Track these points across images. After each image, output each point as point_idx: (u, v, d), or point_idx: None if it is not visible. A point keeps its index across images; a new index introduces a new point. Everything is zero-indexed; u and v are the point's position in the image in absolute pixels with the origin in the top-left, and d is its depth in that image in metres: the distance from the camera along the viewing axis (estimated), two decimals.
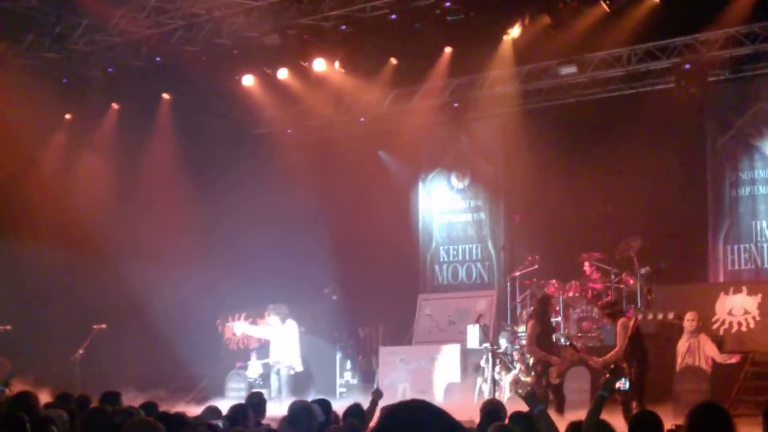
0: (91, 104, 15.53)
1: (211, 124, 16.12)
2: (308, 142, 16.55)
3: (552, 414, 6.66)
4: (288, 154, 16.29)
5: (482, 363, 12.53)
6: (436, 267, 15.87)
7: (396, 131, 15.82)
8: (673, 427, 6.91)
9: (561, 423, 5.54)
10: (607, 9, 12.27)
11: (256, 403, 6.89)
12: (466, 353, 13.23)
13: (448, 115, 15.73)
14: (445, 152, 16.00)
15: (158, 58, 14.62)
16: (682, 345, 11.46)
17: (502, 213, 15.29)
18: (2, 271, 14.77)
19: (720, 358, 11.35)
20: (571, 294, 13.16)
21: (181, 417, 6.05)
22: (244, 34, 13.95)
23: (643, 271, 12.82)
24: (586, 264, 13.36)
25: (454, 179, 15.89)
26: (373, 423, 7.06)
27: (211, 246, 15.57)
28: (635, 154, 13.41)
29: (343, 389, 14.46)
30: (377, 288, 14.84)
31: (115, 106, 16.00)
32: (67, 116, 15.99)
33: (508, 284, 13.94)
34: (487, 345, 12.30)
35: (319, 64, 14.13)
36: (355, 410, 6.54)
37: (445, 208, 15.95)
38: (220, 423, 6.17)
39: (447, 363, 13.32)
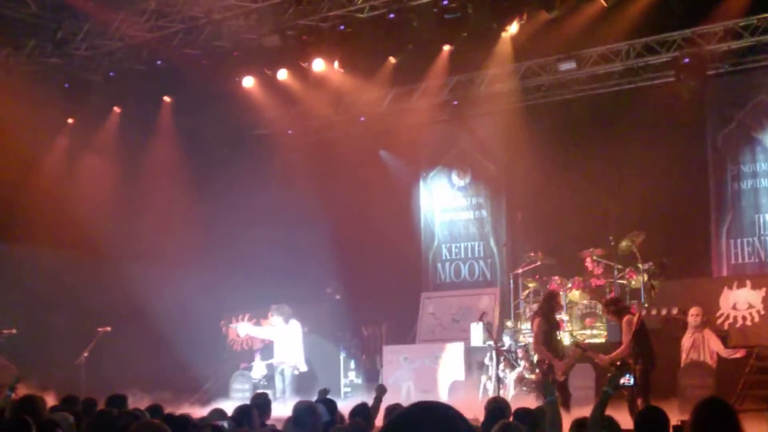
0: (93, 108, 15.56)
1: (212, 125, 16.14)
2: (309, 143, 16.57)
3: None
4: (288, 154, 16.31)
5: (486, 361, 12.54)
6: (439, 265, 15.87)
7: (396, 130, 15.83)
8: (679, 422, 6.91)
9: (566, 419, 5.55)
10: (605, 4, 12.25)
11: (260, 403, 6.90)
12: (469, 351, 13.24)
13: (448, 113, 15.75)
14: (446, 150, 16.00)
15: (159, 62, 14.65)
16: (686, 340, 11.44)
17: (504, 210, 15.29)
18: (5, 274, 14.80)
19: (725, 352, 11.34)
20: (573, 290, 13.16)
21: (186, 419, 6.08)
22: (243, 36, 13.97)
23: (646, 266, 12.81)
24: (588, 260, 13.36)
25: (454, 177, 15.89)
26: (378, 420, 7.08)
27: (213, 247, 15.60)
28: (636, 148, 13.41)
29: (348, 389, 14.47)
30: (380, 287, 14.85)
31: (116, 109, 16.03)
32: (69, 120, 16.03)
33: (511, 281, 13.94)
34: (491, 343, 12.30)
35: (319, 65, 14.14)
36: (361, 410, 6.55)
37: (447, 206, 15.95)
38: (225, 424, 6.19)
39: (451, 361, 13.33)
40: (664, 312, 12.14)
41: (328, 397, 7.12)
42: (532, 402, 9.56)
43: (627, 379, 9.11)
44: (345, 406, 8.67)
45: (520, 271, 13.77)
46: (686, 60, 12.99)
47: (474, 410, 7.92)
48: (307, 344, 13.61)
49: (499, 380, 11.84)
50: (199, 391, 14.89)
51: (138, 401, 9.20)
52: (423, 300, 15.23)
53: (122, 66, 14.84)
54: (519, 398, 10.92)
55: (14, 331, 13.48)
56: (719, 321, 12.05)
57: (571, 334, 12.65)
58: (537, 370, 11.07)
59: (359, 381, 14.62)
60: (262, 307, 14.20)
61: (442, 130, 16.03)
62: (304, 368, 13.37)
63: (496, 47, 13.97)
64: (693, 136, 13.78)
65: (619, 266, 13.03)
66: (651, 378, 9.91)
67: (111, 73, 14.97)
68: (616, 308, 10.54)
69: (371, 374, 14.54)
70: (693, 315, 11.43)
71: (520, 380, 11.99)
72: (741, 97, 13.50)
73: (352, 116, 16.12)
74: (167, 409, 7.19)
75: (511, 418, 5.73)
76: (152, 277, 14.50)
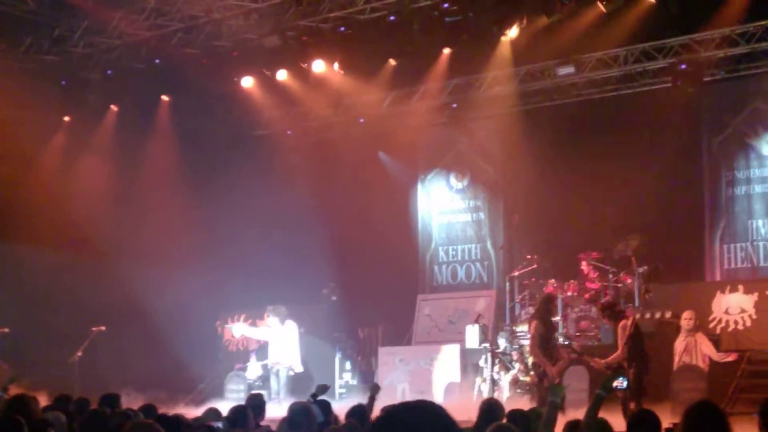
0: (91, 106, 15.55)
1: (211, 125, 16.14)
2: (308, 144, 16.59)
3: None
4: (287, 155, 16.32)
5: (481, 363, 12.57)
6: (436, 267, 15.90)
7: (395, 132, 15.86)
8: (671, 425, 6.94)
9: (560, 421, 5.58)
10: (604, 9, 12.30)
11: (255, 404, 6.91)
12: (465, 353, 13.27)
13: (447, 116, 15.78)
14: (444, 153, 16.04)
15: (157, 60, 14.65)
16: (679, 344, 11.50)
17: (501, 213, 15.33)
18: (1, 273, 14.80)
19: (717, 356, 11.40)
20: (569, 293, 13.20)
21: (179, 419, 6.09)
22: (243, 35, 13.98)
23: (640, 270, 12.86)
24: (584, 263, 13.40)
25: (453, 179, 15.93)
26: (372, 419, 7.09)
27: (211, 247, 15.61)
28: (632, 153, 13.46)
29: (343, 390, 14.49)
30: (376, 288, 14.87)
31: (114, 108, 16.03)
32: (67, 118, 16.03)
33: (507, 284, 13.97)
34: (487, 345, 12.33)
35: (319, 66, 14.16)
36: (357, 411, 6.56)
37: (444, 209, 15.99)
38: (220, 424, 6.21)
39: (446, 363, 13.36)
40: (657, 315, 12.19)
41: (323, 398, 7.13)
42: (526, 404, 9.61)
43: (620, 382, 9.11)
44: (340, 407, 8.69)
45: (516, 273, 13.80)
46: (683, 66, 13.06)
47: (469, 412, 7.93)
48: (302, 345, 13.63)
49: (494, 382, 11.88)
50: (194, 392, 14.89)
51: (132, 401, 9.21)
52: (419, 302, 15.26)
53: (120, 64, 14.84)
54: (513, 400, 10.96)
55: (6, 330, 13.48)
56: (712, 325, 12.11)
57: (566, 337, 12.68)
58: (532, 373, 11.11)
59: (354, 382, 14.64)
60: (258, 308, 14.22)
61: (440, 132, 16.07)
62: (299, 369, 13.39)
63: (496, 51, 14.02)
64: (689, 141, 13.83)
65: (614, 270, 13.08)
66: (644, 381, 9.96)
67: (109, 72, 14.95)
68: (612, 312, 10.59)
69: (367, 375, 14.56)
70: (686, 319, 11.49)
71: (515, 382, 12.03)
72: (737, 104, 13.57)
73: (352, 118, 16.14)
74: (161, 409, 7.20)
75: (504, 420, 5.76)
76: (148, 276, 14.50)
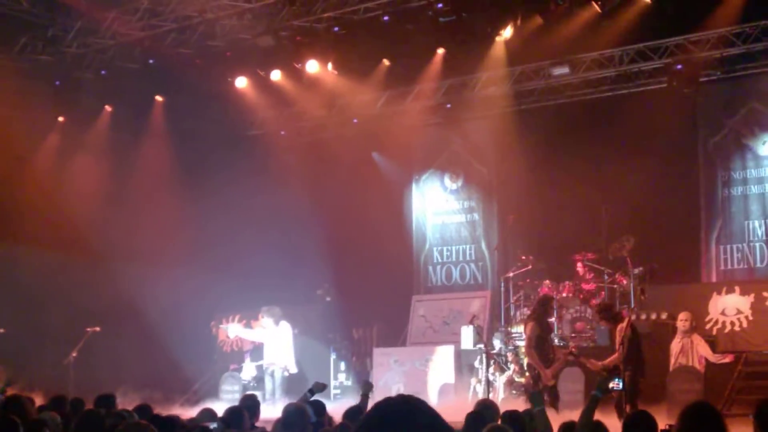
0: (84, 106, 15.53)
1: (205, 126, 16.11)
2: (302, 144, 16.56)
3: (548, 412, 6.67)
4: (281, 155, 16.29)
5: (476, 364, 12.55)
6: (430, 268, 15.88)
7: (389, 132, 15.84)
8: (667, 426, 6.93)
9: (554, 421, 5.56)
10: (599, 10, 12.30)
11: (249, 405, 6.88)
12: (460, 354, 13.25)
13: (441, 116, 15.77)
14: (438, 153, 16.02)
15: (151, 61, 14.61)
16: (675, 345, 11.49)
17: (496, 213, 15.31)
18: None
19: (713, 357, 11.39)
20: (564, 294, 13.19)
21: (173, 420, 6.06)
22: (236, 36, 13.95)
23: (636, 271, 12.85)
24: (579, 264, 13.39)
25: (447, 180, 15.91)
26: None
27: (205, 247, 15.56)
28: (627, 154, 13.45)
29: (338, 391, 14.46)
30: (371, 289, 14.84)
31: (108, 108, 15.99)
32: (60, 118, 15.98)
33: (502, 285, 13.95)
34: (481, 346, 12.31)
35: (312, 66, 14.13)
36: (354, 413, 6.53)
37: (439, 209, 15.97)
38: (215, 425, 6.17)
39: (441, 364, 13.33)
40: (653, 317, 12.19)
41: (317, 398, 7.10)
42: (521, 405, 9.57)
43: (616, 384, 9.14)
44: (335, 407, 8.66)
45: (511, 274, 13.78)
46: (679, 67, 13.06)
47: (463, 413, 7.90)
48: (297, 346, 13.60)
49: (489, 383, 11.85)
50: (189, 392, 14.86)
51: (127, 401, 9.16)
52: (414, 302, 15.23)
53: (114, 64, 14.79)
54: (508, 401, 10.93)
55: (2, 330, 13.42)
56: (708, 326, 12.10)
57: (561, 339, 12.66)
58: (527, 374, 11.09)
59: (349, 383, 14.61)
60: (252, 309, 14.18)
61: (435, 133, 16.05)
62: (294, 370, 13.36)
63: (490, 51, 14.01)
64: (684, 142, 13.83)
65: (609, 271, 13.06)
66: (639, 383, 9.95)
67: (103, 72, 14.92)
68: (610, 314, 10.59)
69: (361, 376, 14.51)
70: (682, 320, 11.48)
71: (510, 383, 12.01)
72: (732, 104, 13.57)
73: (346, 118, 16.12)
74: (156, 410, 7.17)
75: (499, 421, 5.73)
76: (143, 277, 14.46)
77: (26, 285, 14.98)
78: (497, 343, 12.65)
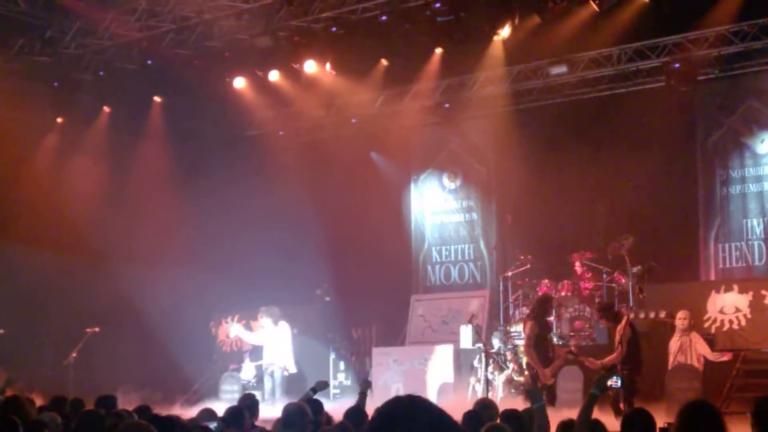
0: (83, 107, 15.52)
1: (203, 126, 16.12)
2: (300, 144, 16.57)
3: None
4: (279, 155, 16.29)
5: (475, 363, 12.56)
6: (429, 267, 15.89)
7: (387, 132, 15.85)
8: (665, 424, 6.94)
9: (553, 419, 5.57)
10: (597, 8, 12.31)
11: (248, 404, 6.89)
12: (459, 353, 13.26)
13: (439, 116, 15.77)
14: (437, 153, 16.03)
15: (149, 61, 14.61)
16: (673, 343, 11.51)
17: (494, 213, 15.32)
18: None
19: (711, 356, 11.40)
20: (563, 293, 13.20)
21: (173, 420, 6.07)
22: (234, 36, 13.95)
23: (635, 269, 12.86)
24: (578, 263, 13.40)
25: (445, 180, 15.92)
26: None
27: (204, 248, 15.57)
28: (626, 153, 13.46)
29: (337, 390, 14.47)
30: (370, 289, 14.85)
31: (106, 109, 15.99)
32: (59, 119, 15.98)
33: (501, 284, 13.97)
34: (480, 345, 12.32)
35: (310, 66, 14.13)
36: (354, 413, 6.52)
37: (437, 209, 15.98)
38: (214, 425, 6.18)
39: (440, 363, 13.34)
40: (652, 315, 12.20)
41: (315, 397, 7.10)
42: (520, 404, 9.59)
43: (614, 381, 9.16)
44: (334, 407, 8.68)
45: (509, 273, 13.79)
46: (677, 65, 13.07)
47: (463, 412, 7.92)
48: (296, 346, 13.61)
49: (488, 382, 11.87)
50: (189, 392, 14.87)
51: (127, 402, 9.17)
52: (413, 302, 15.24)
53: (112, 65, 14.80)
54: (508, 400, 10.94)
55: (2, 331, 13.43)
56: (706, 324, 12.11)
57: (560, 338, 12.68)
58: (526, 373, 11.11)
59: (349, 383, 14.62)
60: (251, 309, 14.19)
61: (433, 132, 16.06)
62: (293, 370, 13.37)
63: (488, 51, 14.01)
64: (683, 140, 13.84)
65: (608, 270, 13.08)
66: (637, 382, 9.97)
67: (101, 73, 14.92)
68: (611, 313, 10.62)
69: (361, 376, 14.53)
70: (680, 318, 11.49)
71: (509, 382, 12.02)
72: (731, 103, 13.58)
73: (344, 118, 16.13)
74: (156, 410, 7.17)
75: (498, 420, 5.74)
76: (142, 277, 14.47)
77: (25, 286, 14.99)
78: (496, 342, 12.66)
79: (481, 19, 13.03)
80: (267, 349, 13.42)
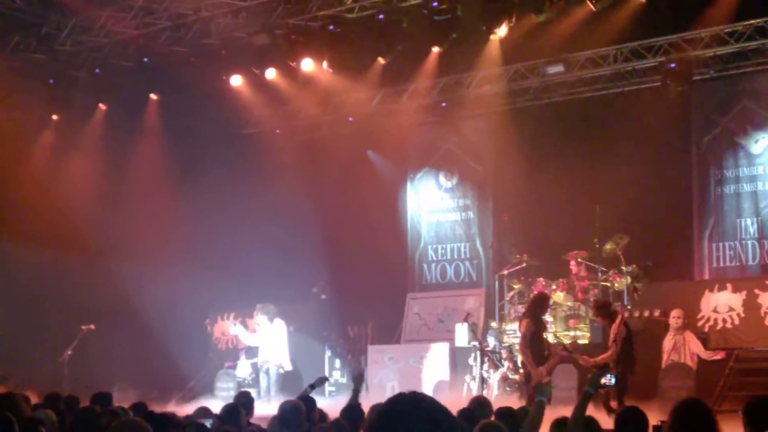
0: (79, 105, 15.50)
1: (199, 124, 16.10)
2: (297, 142, 16.57)
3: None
4: (276, 154, 16.30)
5: (471, 361, 12.59)
6: (425, 266, 15.91)
7: (384, 131, 15.86)
8: (659, 422, 6.98)
9: (548, 415, 5.59)
10: (594, 8, 12.33)
11: (243, 402, 6.91)
12: (454, 351, 13.29)
13: (436, 115, 15.79)
14: (433, 151, 16.04)
15: (146, 59, 14.60)
16: (667, 342, 11.55)
17: (490, 212, 15.34)
18: None
19: (705, 354, 11.45)
20: (558, 292, 13.23)
21: (168, 417, 6.08)
22: (231, 34, 13.95)
23: (629, 268, 12.91)
24: (573, 262, 13.44)
25: (442, 178, 15.93)
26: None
27: (200, 245, 15.58)
28: (621, 152, 13.49)
29: (333, 388, 14.49)
30: (366, 287, 14.87)
31: (102, 106, 15.97)
32: (54, 117, 15.95)
33: (497, 283, 14.00)
34: (476, 343, 12.35)
35: (307, 64, 14.14)
36: (351, 411, 6.53)
37: (434, 207, 16.00)
38: (210, 422, 6.19)
39: (436, 361, 13.37)
40: (646, 314, 12.24)
41: (310, 395, 7.12)
42: (515, 402, 9.63)
43: (608, 379, 9.18)
44: (330, 405, 8.70)
45: (505, 272, 13.83)
46: (672, 65, 13.11)
47: (458, 410, 7.95)
48: (292, 343, 13.63)
49: (484, 380, 11.90)
50: (184, 389, 14.87)
51: (123, 399, 9.19)
52: (408, 300, 15.27)
53: (108, 63, 14.78)
54: (503, 398, 10.98)
55: None
56: (700, 323, 12.16)
57: (555, 336, 12.72)
58: (521, 371, 11.13)
59: (344, 380, 14.63)
60: (247, 306, 14.20)
61: (430, 131, 16.07)
62: (289, 367, 13.39)
63: (485, 50, 14.03)
64: (678, 140, 13.88)
65: (603, 268, 13.12)
66: (629, 382, 10.01)
67: (97, 70, 14.91)
68: (607, 312, 10.65)
69: (354, 372, 14.54)
70: (674, 317, 11.54)
71: (504, 380, 12.05)
72: (726, 103, 13.62)
73: (341, 116, 16.14)
74: (151, 407, 7.19)
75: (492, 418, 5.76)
76: (138, 275, 14.47)
77: (21, 283, 14.98)
78: (491, 341, 12.69)
79: (478, 17, 13.04)
80: (263, 347, 13.43)
